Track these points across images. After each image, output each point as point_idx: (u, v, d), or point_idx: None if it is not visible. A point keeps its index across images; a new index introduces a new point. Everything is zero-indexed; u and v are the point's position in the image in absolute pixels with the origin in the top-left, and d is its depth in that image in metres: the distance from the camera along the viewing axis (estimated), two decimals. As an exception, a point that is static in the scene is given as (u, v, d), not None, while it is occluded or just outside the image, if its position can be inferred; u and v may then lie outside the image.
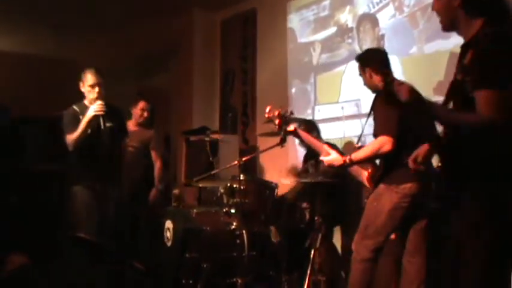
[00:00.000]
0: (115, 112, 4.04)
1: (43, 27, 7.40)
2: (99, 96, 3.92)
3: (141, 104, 5.15)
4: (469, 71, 2.06)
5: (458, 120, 2.11)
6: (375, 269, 3.12)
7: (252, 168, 5.80)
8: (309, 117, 5.61)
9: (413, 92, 2.12)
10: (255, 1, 6.61)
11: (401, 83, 2.22)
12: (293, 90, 6.04)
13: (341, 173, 3.54)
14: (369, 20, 5.22)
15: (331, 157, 3.24)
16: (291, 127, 3.57)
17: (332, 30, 5.62)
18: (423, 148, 2.48)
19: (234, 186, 4.05)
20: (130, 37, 7.71)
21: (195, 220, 4.32)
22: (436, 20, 2.32)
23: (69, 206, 4.03)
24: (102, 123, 3.88)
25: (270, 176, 5.79)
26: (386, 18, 5.03)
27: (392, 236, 3.28)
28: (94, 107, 3.85)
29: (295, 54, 6.04)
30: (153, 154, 5.07)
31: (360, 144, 3.42)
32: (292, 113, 3.69)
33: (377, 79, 3.19)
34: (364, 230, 3.12)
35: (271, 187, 4.22)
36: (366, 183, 3.29)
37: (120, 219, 4.05)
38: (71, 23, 7.21)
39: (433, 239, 3.13)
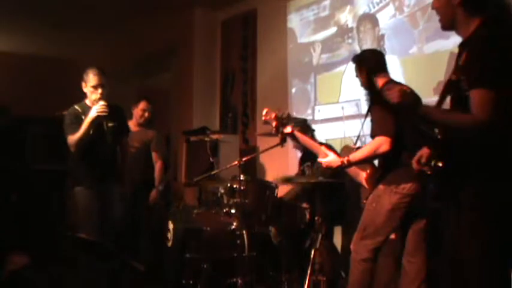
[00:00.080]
0: (116, 111, 4.02)
1: (43, 27, 7.40)
2: (102, 97, 3.89)
3: (142, 104, 5.14)
4: (464, 71, 2.07)
5: (451, 121, 2.11)
6: (374, 269, 3.12)
7: (252, 168, 5.80)
8: (309, 117, 5.61)
9: (403, 95, 2.12)
10: (255, 1, 6.61)
11: (393, 86, 2.22)
12: (293, 90, 6.04)
13: (339, 173, 3.55)
14: (369, 20, 5.22)
15: (329, 158, 3.25)
16: (288, 129, 3.58)
17: (332, 30, 5.62)
18: (427, 149, 2.49)
19: (234, 186, 4.05)
20: (130, 37, 7.71)
21: (195, 220, 4.32)
22: (436, 20, 2.33)
23: (70, 207, 4.03)
24: (104, 124, 3.86)
25: (270, 176, 5.80)
26: (386, 18, 5.03)
27: (393, 236, 3.28)
28: (97, 108, 3.82)
29: (295, 54, 6.04)
30: (154, 155, 5.07)
31: (358, 145, 3.42)
32: (289, 114, 3.70)
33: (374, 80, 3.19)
34: (363, 230, 3.12)
35: (271, 187, 4.21)
36: (365, 184, 3.29)
37: (120, 219, 4.05)
38: (71, 23, 7.21)
39: (432, 239, 3.13)
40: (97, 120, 3.84)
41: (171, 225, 4.38)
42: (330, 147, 3.90)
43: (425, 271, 3.12)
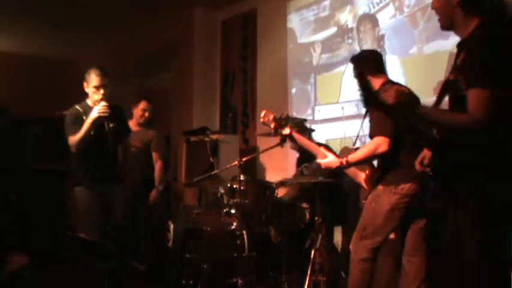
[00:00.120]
0: (117, 111, 4.01)
1: (43, 27, 7.40)
2: (104, 98, 3.88)
3: (142, 104, 5.14)
4: (461, 71, 2.07)
5: (448, 121, 2.11)
6: (374, 269, 3.12)
7: (252, 168, 5.80)
8: (309, 118, 5.61)
9: (399, 96, 2.12)
10: (255, 1, 6.61)
11: (390, 86, 2.22)
12: (293, 90, 6.04)
13: (338, 173, 3.55)
14: (369, 20, 5.22)
15: (328, 159, 3.25)
16: (287, 131, 3.58)
17: (332, 30, 5.62)
18: (429, 150, 2.49)
19: (234, 186, 4.05)
20: (130, 37, 7.71)
21: (195, 220, 4.32)
22: (436, 20, 2.33)
23: (70, 207, 4.03)
24: (106, 125, 3.85)
25: (270, 176, 5.80)
26: (386, 18, 5.04)
27: (392, 236, 3.28)
28: (98, 109, 3.81)
29: (295, 55, 6.04)
30: (154, 155, 5.06)
31: (358, 145, 3.42)
32: (287, 116, 3.70)
33: (372, 81, 3.19)
34: (363, 230, 3.12)
35: (271, 187, 4.22)
36: (364, 184, 3.30)
37: (120, 219, 4.05)
38: (71, 23, 7.21)
39: (432, 238, 3.13)
40: (98, 121, 3.83)
41: (171, 225, 4.38)
42: (328, 148, 3.91)
43: (425, 271, 3.12)
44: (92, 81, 3.91)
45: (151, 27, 7.27)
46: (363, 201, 3.26)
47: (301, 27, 5.98)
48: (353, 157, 3.13)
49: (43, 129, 6.86)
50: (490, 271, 2.06)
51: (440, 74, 4.26)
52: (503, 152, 2.04)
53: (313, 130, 4.81)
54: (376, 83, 3.18)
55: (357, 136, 3.46)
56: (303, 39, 5.95)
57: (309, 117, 5.61)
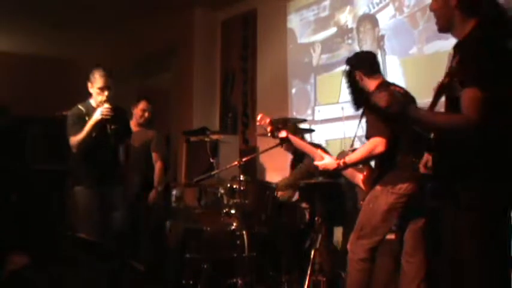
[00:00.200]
0: (120, 113, 3.99)
1: (43, 27, 7.41)
2: (108, 100, 3.86)
3: (142, 105, 5.13)
4: (457, 72, 2.07)
5: (442, 122, 2.12)
6: (372, 269, 3.13)
7: (252, 168, 5.81)
8: (309, 118, 5.62)
9: (391, 99, 2.12)
10: (255, 1, 6.62)
11: (384, 88, 2.23)
12: (293, 90, 6.04)
13: (336, 174, 3.56)
14: (369, 20, 5.22)
15: (325, 161, 3.25)
16: (283, 134, 3.59)
17: (332, 30, 5.62)
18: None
19: (234, 186, 4.06)
20: (130, 37, 7.71)
21: (195, 220, 4.33)
22: (436, 21, 2.33)
23: (70, 206, 4.03)
24: (108, 127, 3.83)
25: (270, 176, 5.80)
26: (386, 19, 5.04)
27: (392, 236, 3.29)
28: (101, 111, 3.79)
29: (295, 55, 6.04)
30: (154, 155, 5.06)
31: (356, 146, 3.43)
32: (284, 119, 3.73)
33: (367, 82, 3.20)
34: (360, 230, 3.13)
35: (271, 188, 4.22)
36: (362, 185, 3.30)
37: (120, 219, 4.05)
38: (71, 23, 7.21)
39: (432, 238, 3.13)
40: (101, 123, 3.83)
41: (171, 226, 4.39)
42: (323, 149, 3.92)
43: (424, 271, 3.12)
44: (97, 82, 3.89)
45: (151, 27, 7.28)
46: (361, 202, 3.26)
47: (301, 28, 5.98)
48: (350, 158, 3.14)
49: (43, 129, 6.86)
50: (490, 271, 2.06)
51: (440, 74, 4.21)
52: (503, 153, 2.04)
53: (313, 130, 4.82)
54: (372, 84, 3.18)
55: (354, 137, 3.47)
56: (303, 40, 5.96)
57: (309, 118, 5.61)
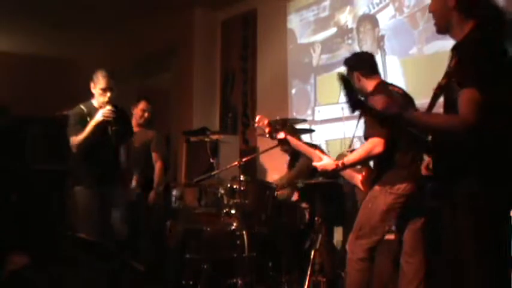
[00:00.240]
0: (121, 114, 3.99)
1: (43, 27, 7.41)
2: (110, 101, 3.87)
3: (142, 105, 5.13)
4: (454, 74, 2.07)
5: (438, 124, 2.11)
6: (371, 269, 3.13)
7: (252, 168, 5.81)
8: (309, 118, 5.62)
9: (387, 102, 2.12)
10: (255, 1, 6.62)
11: (379, 91, 2.22)
12: (293, 91, 6.04)
13: (334, 175, 3.57)
14: (369, 20, 5.23)
15: (323, 162, 3.25)
16: (281, 135, 3.59)
17: (332, 31, 5.62)
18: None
19: (234, 186, 4.06)
20: (130, 37, 7.71)
21: (195, 221, 4.33)
22: (436, 21, 2.34)
23: (70, 206, 4.03)
24: (109, 128, 3.84)
25: (270, 176, 5.80)
26: (386, 19, 5.04)
27: (392, 237, 3.29)
28: (103, 112, 3.80)
29: (295, 55, 6.04)
30: (154, 155, 5.05)
31: (352, 147, 3.43)
32: (282, 120, 3.72)
33: (365, 83, 3.20)
34: (359, 230, 3.13)
35: (271, 188, 4.22)
36: (360, 186, 3.30)
37: (120, 220, 4.05)
38: (71, 23, 7.22)
39: (431, 238, 3.13)
40: (102, 124, 3.83)
41: (171, 226, 4.39)
42: (321, 150, 3.92)
43: (423, 271, 3.12)
44: (100, 83, 3.91)
45: (151, 27, 7.28)
46: (360, 203, 3.27)
47: (301, 28, 5.98)
48: (348, 159, 3.14)
49: (43, 129, 6.85)
50: (490, 271, 2.06)
51: (440, 74, 4.22)
52: (498, 153, 2.04)
53: (313, 131, 4.82)
54: (370, 84, 3.19)
55: (353, 138, 3.47)
56: (302, 40, 5.96)
57: (309, 118, 5.61)
